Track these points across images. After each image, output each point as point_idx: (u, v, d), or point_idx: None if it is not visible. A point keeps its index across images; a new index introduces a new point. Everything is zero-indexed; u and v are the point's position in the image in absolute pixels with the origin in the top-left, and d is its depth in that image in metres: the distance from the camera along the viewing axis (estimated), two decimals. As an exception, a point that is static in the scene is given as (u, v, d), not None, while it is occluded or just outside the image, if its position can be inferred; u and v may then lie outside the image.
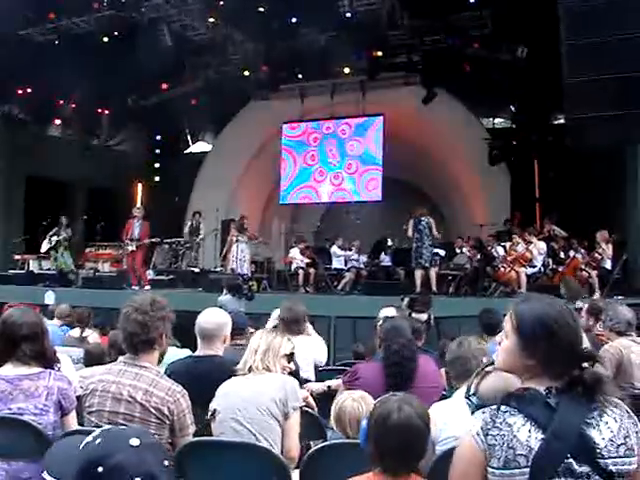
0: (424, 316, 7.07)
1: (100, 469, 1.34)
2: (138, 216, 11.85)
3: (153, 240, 12.35)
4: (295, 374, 3.36)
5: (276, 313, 4.97)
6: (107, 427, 1.59)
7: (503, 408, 1.63)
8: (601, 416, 1.58)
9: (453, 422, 2.66)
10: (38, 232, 13.39)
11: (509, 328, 1.71)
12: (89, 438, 1.43)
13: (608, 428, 1.57)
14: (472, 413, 1.79)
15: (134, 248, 11.62)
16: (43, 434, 2.63)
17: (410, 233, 10.78)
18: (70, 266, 13.18)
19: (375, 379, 3.30)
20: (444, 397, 3.33)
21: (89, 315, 6.55)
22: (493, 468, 1.58)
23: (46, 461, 1.85)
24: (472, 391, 1.92)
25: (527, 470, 1.54)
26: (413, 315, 6.92)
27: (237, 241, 11.95)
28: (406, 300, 7.23)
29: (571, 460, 1.53)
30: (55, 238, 13.02)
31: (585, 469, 1.53)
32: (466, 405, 1.91)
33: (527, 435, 1.57)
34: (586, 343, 1.70)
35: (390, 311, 4.78)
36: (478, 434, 1.62)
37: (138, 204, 12.26)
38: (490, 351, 3.07)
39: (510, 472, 1.56)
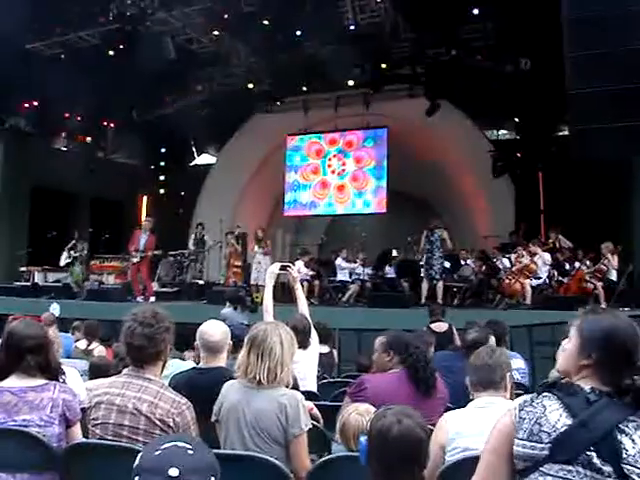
0: (444, 326, 6.98)
1: None
2: (145, 228, 11.83)
3: (156, 252, 12.16)
4: (295, 388, 3.32)
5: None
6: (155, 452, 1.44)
7: (544, 393, 1.71)
8: (637, 429, 1.57)
9: (465, 433, 2.63)
10: (47, 244, 13.48)
11: (573, 332, 1.77)
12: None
13: None
14: None
15: (138, 259, 11.59)
16: (48, 446, 2.62)
17: (422, 245, 10.91)
18: (80, 279, 13.25)
19: (393, 390, 3.22)
20: (449, 408, 3.32)
21: (97, 328, 6.52)
22: (518, 439, 1.67)
23: None
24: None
25: (547, 446, 1.60)
26: (432, 327, 6.85)
27: (255, 253, 12.11)
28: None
29: (593, 454, 1.55)
30: (73, 253, 13.11)
31: (608, 469, 1.54)
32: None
33: (557, 418, 1.62)
34: None
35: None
36: (515, 408, 1.72)
37: (145, 216, 12.22)
38: None
39: (531, 445, 1.64)
